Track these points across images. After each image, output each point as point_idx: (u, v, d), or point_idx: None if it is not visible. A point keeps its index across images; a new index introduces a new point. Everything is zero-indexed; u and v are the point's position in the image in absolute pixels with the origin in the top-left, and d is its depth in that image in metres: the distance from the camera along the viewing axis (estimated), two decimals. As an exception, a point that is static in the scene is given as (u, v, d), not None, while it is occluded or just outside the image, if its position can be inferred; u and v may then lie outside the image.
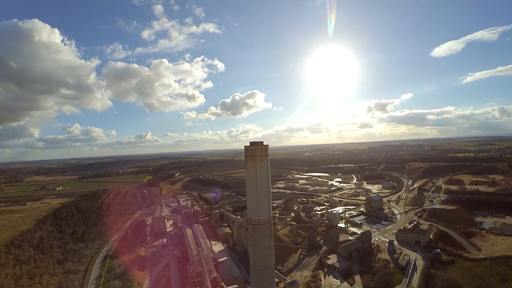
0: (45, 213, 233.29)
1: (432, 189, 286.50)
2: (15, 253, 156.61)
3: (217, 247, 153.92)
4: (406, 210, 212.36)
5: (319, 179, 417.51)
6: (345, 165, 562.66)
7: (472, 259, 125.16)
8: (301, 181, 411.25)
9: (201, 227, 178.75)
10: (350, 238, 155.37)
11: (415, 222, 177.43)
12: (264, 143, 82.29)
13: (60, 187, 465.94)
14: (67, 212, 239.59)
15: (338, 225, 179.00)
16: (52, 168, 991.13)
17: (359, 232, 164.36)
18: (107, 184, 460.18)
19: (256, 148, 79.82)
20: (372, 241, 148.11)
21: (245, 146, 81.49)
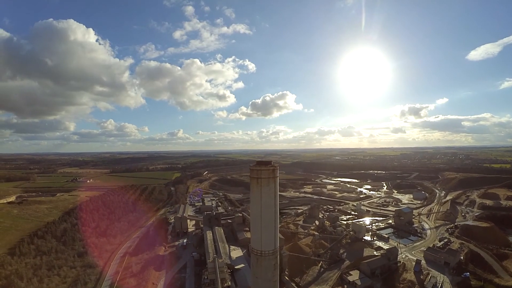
0: (72, 205, 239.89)
1: (466, 202, 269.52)
2: (38, 243, 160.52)
3: (236, 252, 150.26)
4: (437, 225, 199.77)
5: (348, 185, 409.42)
6: (376, 171, 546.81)
7: (503, 286, 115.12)
8: (329, 187, 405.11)
9: (222, 231, 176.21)
10: (375, 253, 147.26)
11: (445, 240, 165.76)
12: (272, 163, 73.52)
13: (91, 180, 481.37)
14: (93, 206, 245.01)
15: (364, 237, 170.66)
16: (85, 161, 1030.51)
17: (385, 247, 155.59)
18: (136, 179, 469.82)
19: (262, 169, 70.76)
20: (398, 258, 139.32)
21: (250, 166, 74.02)
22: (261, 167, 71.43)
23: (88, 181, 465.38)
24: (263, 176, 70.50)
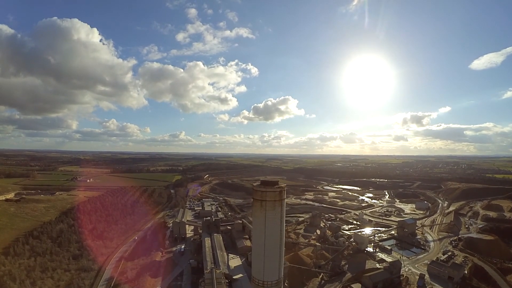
0: (69, 205, 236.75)
1: (469, 214, 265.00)
2: (33, 244, 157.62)
3: (235, 261, 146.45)
4: (440, 237, 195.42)
5: (350, 193, 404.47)
6: (378, 179, 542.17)
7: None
8: (330, 194, 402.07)
9: (221, 238, 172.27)
10: (377, 265, 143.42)
11: (449, 253, 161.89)
12: (279, 183, 63.39)
13: (91, 180, 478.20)
14: (91, 207, 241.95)
15: (366, 249, 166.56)
16: (86, 160, 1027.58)
17: (388, 259, 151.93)
18: (137, 180, 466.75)
19: (267, 191, 60.77)
20: (401, 271, 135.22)
21: (253, 186, 64.67)
22: (266, 189, 62.09)
23: (88, 181, 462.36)
24: (268, 199, 61.30)
